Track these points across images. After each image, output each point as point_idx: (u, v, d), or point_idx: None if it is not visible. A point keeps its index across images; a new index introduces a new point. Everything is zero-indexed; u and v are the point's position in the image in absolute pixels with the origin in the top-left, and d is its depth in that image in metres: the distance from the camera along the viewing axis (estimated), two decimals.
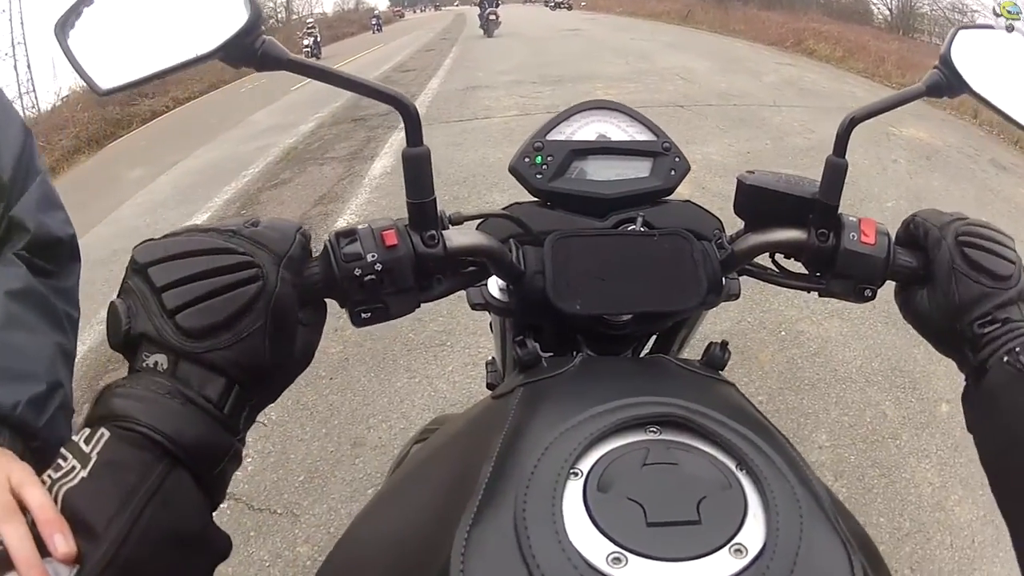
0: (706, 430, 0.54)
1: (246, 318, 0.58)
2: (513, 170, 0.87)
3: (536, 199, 0.89)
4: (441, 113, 9.40)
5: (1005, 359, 0.70)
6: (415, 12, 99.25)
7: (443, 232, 0.72)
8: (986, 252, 0.75)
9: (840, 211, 0.79)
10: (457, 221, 0.76)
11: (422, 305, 0.73)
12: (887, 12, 34.16)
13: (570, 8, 51.87)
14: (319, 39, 28.00)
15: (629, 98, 9.36)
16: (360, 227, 0.68)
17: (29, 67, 37.82)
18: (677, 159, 0.89)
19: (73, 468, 0.49)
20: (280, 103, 12.82)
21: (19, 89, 36.87)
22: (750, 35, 22.97)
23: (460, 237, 0.74)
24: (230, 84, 24.73)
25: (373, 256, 0.67)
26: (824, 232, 0.79)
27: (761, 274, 0.88)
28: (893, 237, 0.80)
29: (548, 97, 9.88)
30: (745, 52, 16.70)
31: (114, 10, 0.63)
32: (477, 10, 26.77)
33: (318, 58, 26.16)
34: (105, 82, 0.60)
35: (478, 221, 0.83)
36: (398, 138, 8.04)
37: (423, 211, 0.70)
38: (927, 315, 0.78)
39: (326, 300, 0.69)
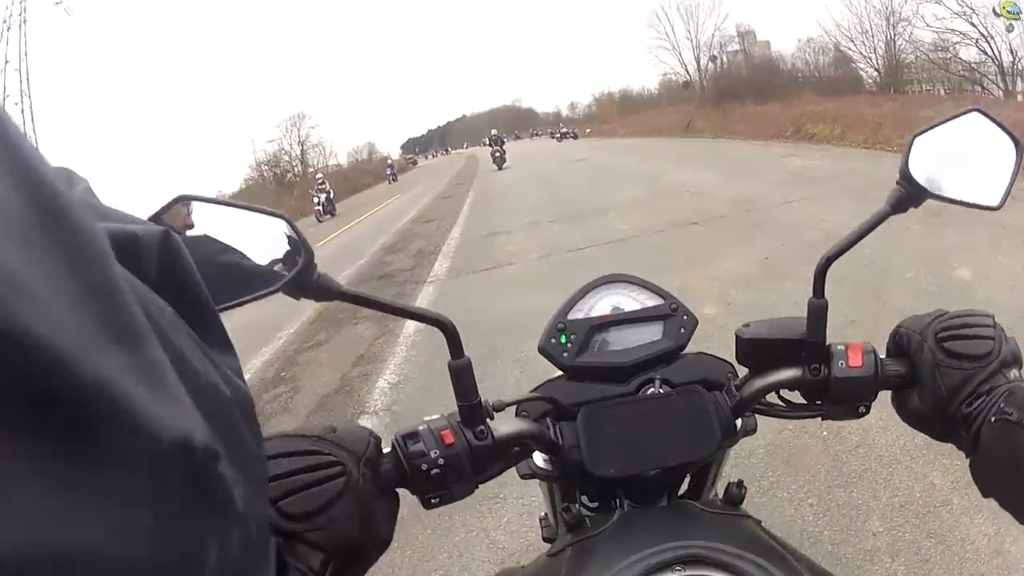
0: (723, 564, 0.66)
1: (336, 506, 0.68)
2: (542, 350, 0.97)
3: (565, 373, 0.98)
4: (466, 263, 9.66)
5: (993, 419, 0.74)
6: (427, 158, 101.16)
7: (489, 423, 0.83)
8: (963, 339, 0.80)
9: (829, 342, 0.87)
10: (499, 408, 0.86)
11: None
12: (875, 74, 34.15)
13: (576, 137, 53.80)
14: (332, 195, 27.95)
15: (644, 223, 9.71)
16: (421, 428, 0.80)
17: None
18: (685, 317, 0.98)
19: None
20: None
21: None
22: (751, 133, 23.45)
23: (504, 426, 0.85)
24: None
25: (435, 453, 0.78)
26: (816, 366, 0.87)
27: (769, 411, 0.95)
28: (883, 351, 0.88)
29: (567, 235, 10.10)
30: (749, 152, 17.00)
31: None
32: (485, 150, 35.38)
33: (332, 215, 26.40)
34: None
35: (517, 406, 0.93)
36: (426, 293, 8.35)
37: (471, 411, 0.83)
38: (920, 412, 0.83)
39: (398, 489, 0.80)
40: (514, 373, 4.65)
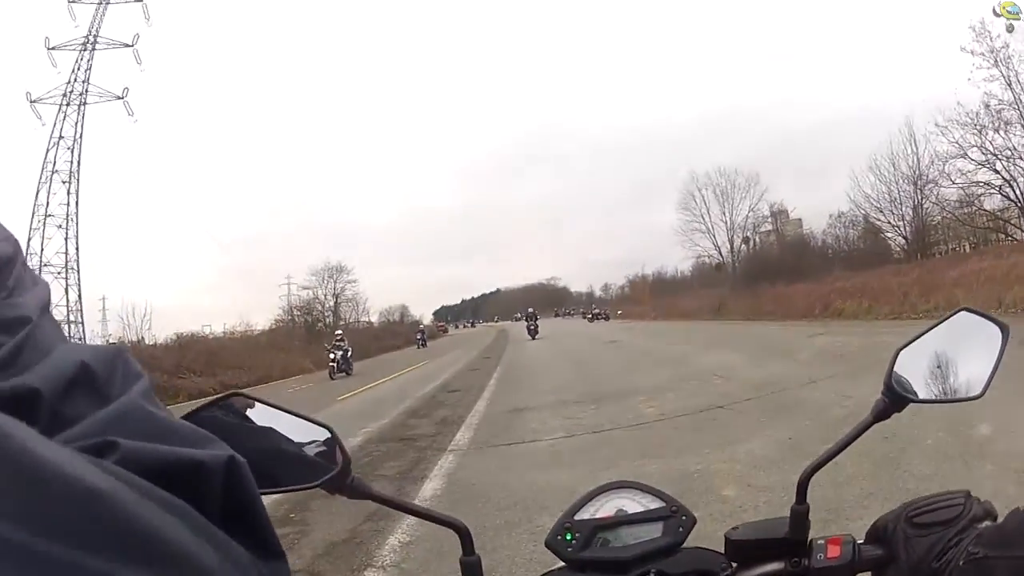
0: None
1: None
2: (548, 545, 1.03)
3: (567, 565, 1.04)
4: (489, 437, 9.62)
5: (961, 563, 0.77)
6: (456, 327, 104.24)
7: None
8: (930, 511, 0.85)
9: (812, 537, 0.96)
10: None
11: None
12: (903, 241, 35.69)
13: (607, 318, 54.93)
14: (350, 352, 27.60)
15: (669, 407, 9.71)
16: None
17: (80, 296, 40.04)
18: (684, 517, 1.02)
19: None
20: (326, 412, 12.95)
21: (68, 316, 38.66)
22: (780, 314, 23.82)
23: None
24: (277, 381, 25.04)
25: None
26: (796, 560, 0.95)
27: None
28: (862, 538, 0.95)
29: (592, 416, 10.05)
30: (778, 334, 17.17)
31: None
32: (516, 324, 36.63)
33: (348, 374, 25.78)
34: None
35: None
36: (446, 462, 8.29)
37: None
38: None
39: None
40: (528, 547, 4.48)
